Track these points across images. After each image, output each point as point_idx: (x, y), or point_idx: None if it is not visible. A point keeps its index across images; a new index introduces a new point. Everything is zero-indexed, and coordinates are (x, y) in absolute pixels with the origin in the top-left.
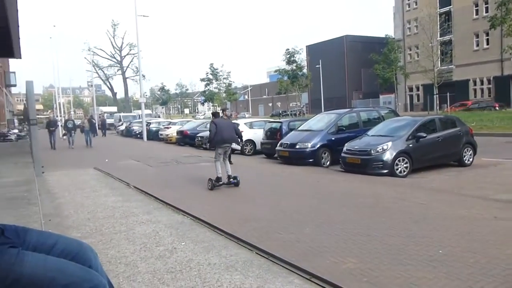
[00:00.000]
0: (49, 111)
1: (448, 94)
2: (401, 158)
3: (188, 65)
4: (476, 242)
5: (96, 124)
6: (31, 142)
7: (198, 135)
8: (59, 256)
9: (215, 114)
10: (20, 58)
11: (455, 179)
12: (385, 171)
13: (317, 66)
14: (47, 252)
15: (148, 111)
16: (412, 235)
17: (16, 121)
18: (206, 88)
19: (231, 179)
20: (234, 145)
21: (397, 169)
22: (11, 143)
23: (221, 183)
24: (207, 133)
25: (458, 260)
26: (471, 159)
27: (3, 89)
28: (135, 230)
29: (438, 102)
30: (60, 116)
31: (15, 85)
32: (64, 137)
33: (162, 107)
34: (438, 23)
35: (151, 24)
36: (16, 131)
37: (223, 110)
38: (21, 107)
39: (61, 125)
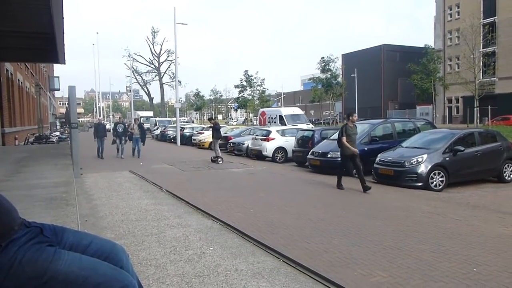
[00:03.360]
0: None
1: (489, 107)
2: (436, 172)
3: (223, 72)
4: None
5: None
6: (71, 144)
7: (230, 141)
8: (93, 255)
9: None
10: (64, 63)
11: (493, 196)
12: (419, 184)
13: (352, 75)
14: (82, 252)
15: (185, 118)
16: (445, 251)
17: (58, 123)
18: (240, 95)
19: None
20: (264, 152)
21: (432, 183)
22: (52, 145)
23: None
24: (245, 140)
25: (493, 279)
26: (511, 176)
27: (47, 92)
28: (165, 233)
29: (478, 115)
30: (98, 119)
31: (58, 89)
32: (113, 144)
33: (196, 113)
34: (481, 34)
35: (190, 31)
36: (57, 133)
37: (209, 119)
38: (63, 110)
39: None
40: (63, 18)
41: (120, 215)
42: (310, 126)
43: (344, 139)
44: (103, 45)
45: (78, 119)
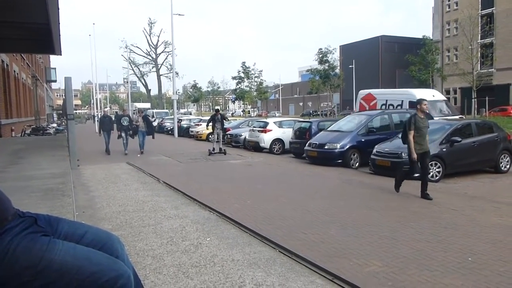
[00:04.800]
0: (87, 106)
1: (487, 98)
2: (433, 163)
3: (220, 63)
4: (508, 251)
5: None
6: (68, 135)
7: (227, 132)
8: (88, 245)
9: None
10: (61, 54)
11: (490, 186)
12: (416, 175)
13: (350, 66)
14: (77, 241)
15: (184, 110)
16: (441, 241)
17: (55, 115)
18: (238, 86)
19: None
20: (262, 144)
21: (429, 174)
22: (49, 137)
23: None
24: (243, 131)
25: (488, 268)
26: (508, 166)
27: (43, 84)
28: (162, 224)
29: (476, 106)
30: (104, 111)
31: (55, 81)
32: (119, 139)
33: (194, 105)
34: (480, 25)
35: (187, 22)
36: (55, 125)
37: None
38: (60, 102)
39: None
40: (58, 8)
41: (117, 206)
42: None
43: (412, 134)
44: (100, 36)
45: (75, 111)
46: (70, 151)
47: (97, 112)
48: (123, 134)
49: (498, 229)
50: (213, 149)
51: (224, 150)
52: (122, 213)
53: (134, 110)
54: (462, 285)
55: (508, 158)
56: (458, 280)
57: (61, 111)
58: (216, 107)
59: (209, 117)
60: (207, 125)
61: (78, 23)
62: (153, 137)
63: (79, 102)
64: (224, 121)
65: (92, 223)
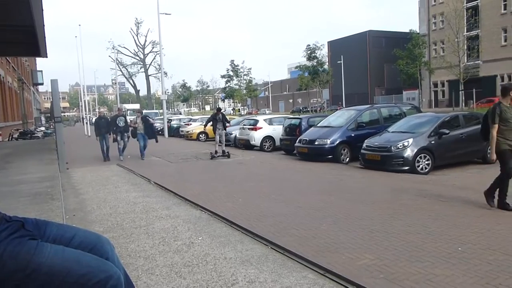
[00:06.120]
0: (75, 108)
1: (474, 90)
2: (422, 155)
3: (209, 62)
4: (496, 239)
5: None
6: (56, 139)
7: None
8: (77, 248)
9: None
10: (46, 57)
11: (478, 177)
12: (406, 168)
13: (339, 62)
14: (66, 244)
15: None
16: (431, 232)
17: (43, 119)
18: (227, 85)
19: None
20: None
21: (418, 166)
22: (37, 140)
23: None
24: (233, 130)
25: (477, 257)
26: None
27: (30, 87)
28: (154, 225)
29: (463, 98)
30: (99, 112)
31: (42, 84)
32: (114, 142)
33: (184, 104)
34: (465, 17)
35: (174, 21)
36: (43, 128)
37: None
38: (48, 105)
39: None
40: (42, 10)
41: (108, 208)
42: None
43: (496, 128)
44: (87, 37)
45: (64, 114)
46: (58, 154)
47: (86, 114)
48: (118, 138)
49: (486, 219)
50: (216, 152)
51: (227, 152)
52: (113, 215)
53: (139, 110)
54: (452, 275)
55: None
56: (449, 270)
57: (49, 114)
58: (218, 106)
59: (209, 116)
60: (205, 125)
61: (63, 24)
62: (156, 141)
63: (67, 104)
64: (227, 123)
65: (83, 226)
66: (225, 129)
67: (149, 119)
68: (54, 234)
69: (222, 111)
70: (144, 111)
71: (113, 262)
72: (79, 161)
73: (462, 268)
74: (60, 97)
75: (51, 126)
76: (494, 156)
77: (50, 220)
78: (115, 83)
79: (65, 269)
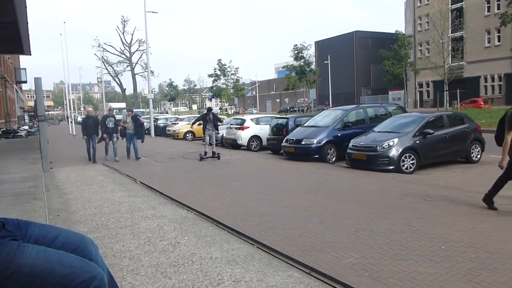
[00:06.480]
0: (59, 107)
1: (458, 90)
2: (407, 155)
3: (196, 61)
4: (478, 238)
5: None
6: (40, 137)
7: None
8: (60, 248)
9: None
10: (30, 54)
11: (462, 176)
12: (391, 167)
13: (326, 62)
14: (48, 245)
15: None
16: (416, 231)
17: (27, 117)
18: (214, 84)
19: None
20: (239, 141)
21: (403, 166)
22: (20, 139)
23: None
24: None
25: (460, 255)
26: (479, 156)
27: (13, 85)
28: (140, 225)
29: (448, 98)
30: (87, 111)
31: (25, 82)
32: (99, 142)
33: (170, 103)
34: (450, 19)
35: (161, 20)
36: (26, 127)
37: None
38: (31, 103)
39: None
40: (26, 6)
41: (93, 208)
42: None
43: (511, 134)
44: (72, 35)
45: (48, 112)
46: (42, 154)
47: (71, 113)
48: (107, 139)
49: (469, 217)
50: (205, 154)
51: (218, 154)
52: (98, 215)
53: (129, 109)
54: (436, 273)
55: (478, 148)
56: (432, 268)
57: (32, 113)
58: (208, 106)
59: (198, 116)
60: (193, 124)
61: (48, 22)
62: (142, 141)
63: (51, 103)
64: (219, 123)
65: (67, 226)
66: (217, 130)
67: (140, 118)
68: (36, 235)
69: (212, 111)
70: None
71: (97, 263)
72: (64, 161)
73: (445, 266)
74: (44, 95)
75: (35, 125)
76: (505, 162)
77: (32, 220)
78: (101, 82)
79: (47, 270)
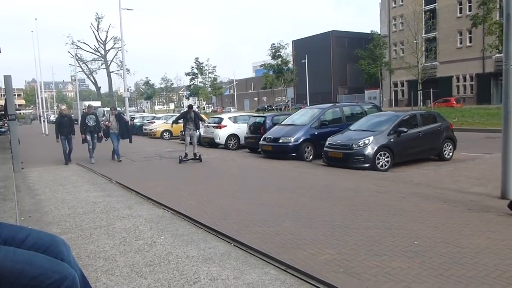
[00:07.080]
0: (32, 106)
1: (431, 90)
2: (382, 153)
3: (173, 59)
4: (449, 233)
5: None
6: (11, 137)
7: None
8: (30, 249)
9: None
10: (0, 52)
11: (434, 173)
12: (367, 165)
13: (303, 61)
14: (18, 246)
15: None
16: (390, 227)
17: None
18: (191, 83)
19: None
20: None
21: (379, 163)
22: None
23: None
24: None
25: (432, 250)
26: (450, 154)
27: None
28: (115, 225)
29: (422, 98)
30: (61, 110)
31: None
32: (84, 143)
33: (147, 102)
34: (423, 20)
35: (136, 17)
36: None
37: (189, 107)
38: (2, 102)
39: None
40: None
41: (66, 209)
42: None
43: None
44: (44, 32)
45: (20, 111)
46: (13, 153)
47: (44, 111)
48: (88, 138)
49: (441, 213)
50: (185, 155)
51: (199, 155)
52: (72, 216)
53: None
54: (409, 267)
55: (451, 146)
56: (405, 263)
57: (2, 112)
58: (189, 103)
59: (178, 115)
60: (173, 123)
61: (18, 18)
62: (130, 141)
63: (23, 101)
64: (201, 122)
65: (39, 228)
66: (198, 129)
67: (124, 116)
68: (5, 236)
69: (194, 109)
70: (105, 109)
71: (69, 263)
72: (36, 161)
73: (418, 261)
74: (16, 94)
75: (5, 124)
76: None
77: (1, 221)
78: (75, 80)
79: (16, 271)
